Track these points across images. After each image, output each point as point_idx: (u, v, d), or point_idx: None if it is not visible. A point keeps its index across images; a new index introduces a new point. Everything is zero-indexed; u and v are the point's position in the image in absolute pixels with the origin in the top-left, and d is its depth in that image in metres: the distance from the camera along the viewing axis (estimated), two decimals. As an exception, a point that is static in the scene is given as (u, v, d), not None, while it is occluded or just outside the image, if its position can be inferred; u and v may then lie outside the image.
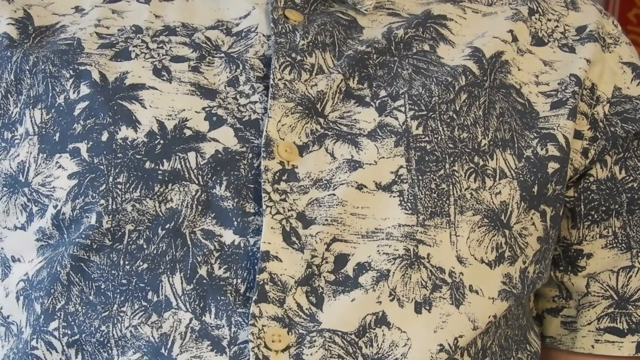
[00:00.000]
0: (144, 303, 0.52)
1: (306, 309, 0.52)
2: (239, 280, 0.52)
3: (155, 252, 0.53)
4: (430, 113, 0.57)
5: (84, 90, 0.55)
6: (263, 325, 0.50)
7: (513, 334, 0.60)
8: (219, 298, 0.52)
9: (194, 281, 0.52)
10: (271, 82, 0.55)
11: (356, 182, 0.54)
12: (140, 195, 0.53)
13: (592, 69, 0.62)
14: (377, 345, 0.52)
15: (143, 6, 0.59)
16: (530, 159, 0.58)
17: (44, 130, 0.55)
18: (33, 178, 0.54)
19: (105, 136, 0.53)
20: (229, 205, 0.53)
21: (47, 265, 0.54)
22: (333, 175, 0.54)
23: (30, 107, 0.55)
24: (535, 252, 0.59)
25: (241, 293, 0.52)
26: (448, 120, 0.57)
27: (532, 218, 0.58)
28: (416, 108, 0.57)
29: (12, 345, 0.57)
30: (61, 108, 0.55)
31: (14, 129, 0.56)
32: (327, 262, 0.53)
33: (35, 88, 0.56)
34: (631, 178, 0.63)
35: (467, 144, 0.57)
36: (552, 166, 0.59)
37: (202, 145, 0.54)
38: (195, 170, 0.53)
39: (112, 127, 0.53)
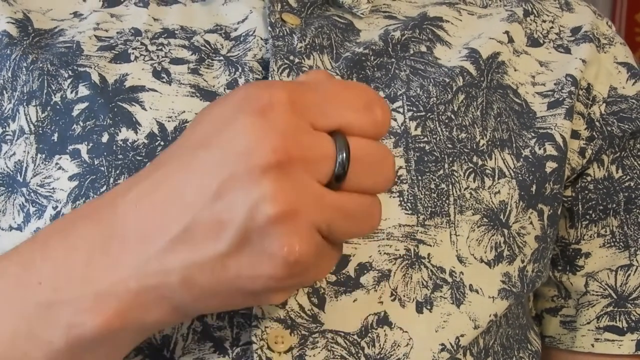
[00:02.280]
0: None
1: (308, 310, 0.52)
2: None
3: None
4: (429, 114, 0.57)
5: (83, 91, 0.55)
6: (265, 327, 0.50)
7: (514, 334, 0.60)
8: None
9: None
10: None
11: None
12: None
13: (587, 69, 0.63)
14: (380, 345, 0.52)
15: (142, 10, 0.59)
16: (528, 159, 0.58)
17: (40, 129, 0.54)
18: (31, 178, 0.53)
19: (105, 138, 0.53)
20: None
21: None
22: None
23: (25, 103, 0.55)
24: (533, 251, 0.59)
25: None
26: (446, 121, 0.57)
27: (530, 217, 0.58)
28: (414, 109, 0.57)
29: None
30: (57, 107, 0.55)
31: (5, 124, 0.55)
32: None
33: (30, 84, 0.55)
34: (628, 177, 0.63)
35: (466, 144, 0.57)
36: (550, 165, 0.59)
37: None
38: None
39: (113, 128, 0.53)
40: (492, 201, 0.56)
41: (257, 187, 0.39)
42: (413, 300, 0.53)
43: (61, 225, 0.45)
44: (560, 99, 0.61)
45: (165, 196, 0.41)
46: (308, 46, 0.58)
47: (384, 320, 0.52)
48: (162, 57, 0.57)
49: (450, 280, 0.54)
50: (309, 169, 0.40)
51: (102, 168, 0.52)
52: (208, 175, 0.40)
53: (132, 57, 0.56)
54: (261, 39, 0.58)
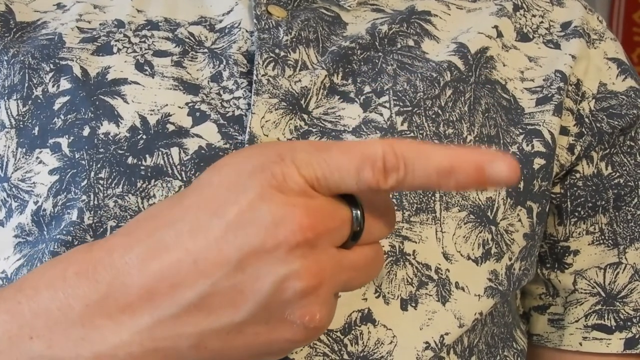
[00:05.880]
0: None
1: None
2: None
3: None
4: (415, 109, 0.56)
5: (65, 85, 0.54)
6: None
7: (499, 332, 0.60)
8: None
9: None
10: (254, 77, 0.54)
11: None
12: (123, 191, 0.52)
13: (577, 64, 0.62)
14: (363, 342, 0.52)
15: (125, 1, 0.58)
16: (516, 155, 0.58)
17: (21, 123, 0.54)
18: (12, 173, 0.53)
19: (86, 131, 0.52)
20: None
21: (27, 263, 0.53)
22: None
23: (5, 97, 0.54)
24: (521, 249, 0.58)
25: None
26: (433, 116, 0.56)
27: (518, 214, 0.58)
28: (401, 104, 0.56)
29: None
30: (39, 101, 0.54)
31: None
32: None
33: (11, 78, 0.55)
34: (617, 174, 0.63)
35: (453, 140, 0.56)
36: (538, 162, 0.58)
37: (185, 140, 0.53)
38: (178, 166, 0.52)
39: (94, 122, 0.53)
40: (478, 198, 0.56)
41: (285, 263, 0.39)
42: (397, 297, 0.53)
43: (49, 278, 0.42)
44: (549, 95, 0.60)
45: (177, 260, 0.40)
46: (294, 39, 0.57)
47: (367, 317, 0.52)
48: (145, 49, 0.56)
49: (435, 277, 0.54)
50: (331, 238, 0.40)
51: (83, 162, 0.52)
52: (228, 246, 0.39)
53: (115, 50, 0.56)
54: (246, 31, 0.57)
